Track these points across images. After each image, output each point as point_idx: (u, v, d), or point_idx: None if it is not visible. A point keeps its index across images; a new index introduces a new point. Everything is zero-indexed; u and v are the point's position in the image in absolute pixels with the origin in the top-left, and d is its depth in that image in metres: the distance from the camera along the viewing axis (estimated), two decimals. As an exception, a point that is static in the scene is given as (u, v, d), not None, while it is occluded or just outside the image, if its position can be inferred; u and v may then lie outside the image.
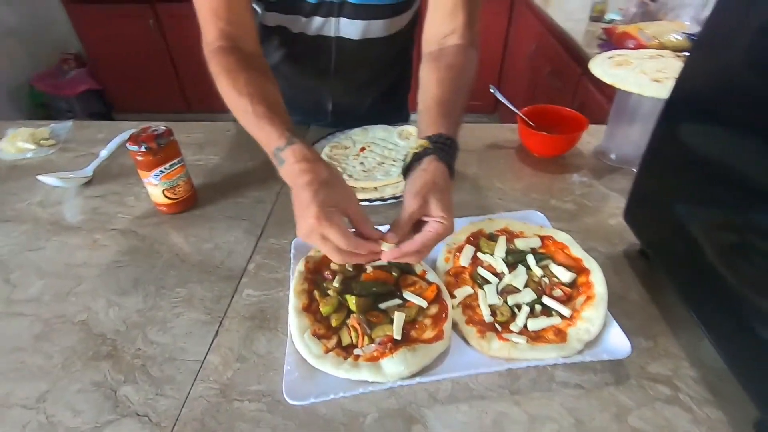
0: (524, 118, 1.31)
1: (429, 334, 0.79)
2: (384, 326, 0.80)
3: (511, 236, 0.98)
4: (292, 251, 0.97)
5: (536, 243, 0.96)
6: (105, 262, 1.01)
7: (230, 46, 0.82)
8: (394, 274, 0.91)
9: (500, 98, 1.36)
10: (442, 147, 0.74)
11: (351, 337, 0.79)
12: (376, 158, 1.28)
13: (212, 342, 0.83)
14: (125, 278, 0.97)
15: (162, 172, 1.06)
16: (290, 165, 0.70)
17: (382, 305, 0.84)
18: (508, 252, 0.94)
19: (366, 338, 0.78)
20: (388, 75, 1.33)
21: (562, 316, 0.81)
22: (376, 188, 1.17)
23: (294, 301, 0.83)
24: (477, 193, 1.19)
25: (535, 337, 0.79)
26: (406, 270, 0.92)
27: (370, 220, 0.71)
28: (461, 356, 0.78)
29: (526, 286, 0.87)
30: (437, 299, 0.85)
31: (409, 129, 1.37)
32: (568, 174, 1.27)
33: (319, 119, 1.46)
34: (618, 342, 0.76)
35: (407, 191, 0.70)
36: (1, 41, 3.66)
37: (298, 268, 0.91)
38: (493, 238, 0.98)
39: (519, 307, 0.84)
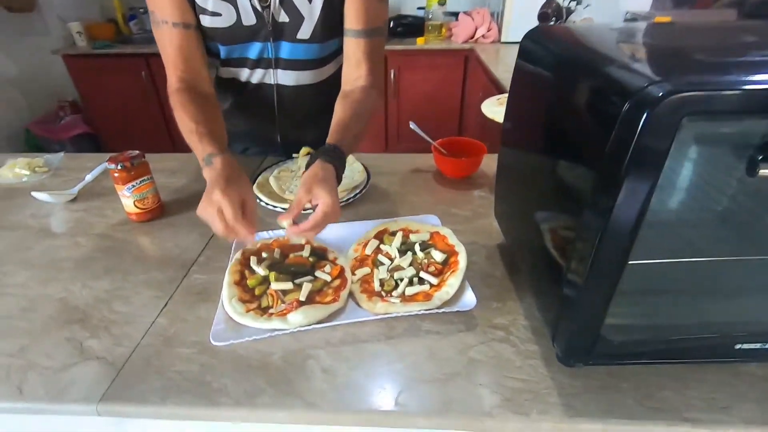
0: (438, 147, 1.62)
1: (329, 298, 1.04)
2: (295, 293, 1.04)
3: (408, 233, 1.25)
4: (234, 245, 1.23)
5: (426, 237, 1.23)
6: (83, 257, 1.25)
7: (187, 87, 1.12)
8: (310, 259, 1.16)
9: (418, 132, 1.67)
10: (328, 152, 1.03)
11: (269, 302, 1.03)
12: (316, 179, 1.57)
13: (162, 309, 1.06)
14: (98, 268, 1.21)
15: (134, 186, 1.33)
16: (215, 167, 0.97)
17: (297, 281, 1.08)
18: (403, 243, 1.20)
19: (280, 302, 1.02)
20: (325, 113, 1.65)
21: (431, 285, 1.06)
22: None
23: (227, 277, 1.08)
24: (394, 205, 1.47)
25: (409, 299, 1.04)
26: (321, 257, 1.18)
27: (257, 214, 0.97)
28: (352, 313, 1.02)
29: (410, 265, 1.13)
30: (340, 276, 1.10)
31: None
32: (471, 190, 1.56)
33: (273, 150, 1.77)
34: (468, 299, 1.01)
35: (299, 185, 0.97)
36: (1, 89, 4.02)
37: (236, 256, 1.16)
38: (394, 234, 1.25)
39: (402, 280, 1.09)
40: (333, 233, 1.25)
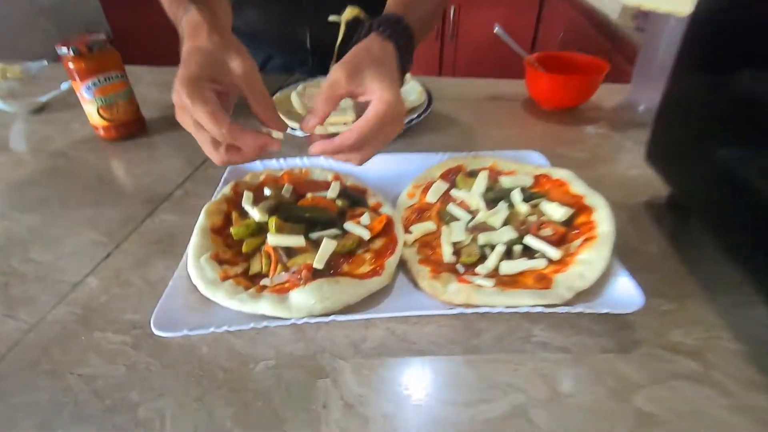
0: (534, 63, 1.11)
1: (365, 268, 0.60)
2: (307, 255, 0.60)
3: (497, 173, 0.77)
4: (225, 175, 0.80)
5: (527, 181, 0.74)
6: (19, 180, 0.88)
7: None
8: (338, 203, 0.72)
9: (505, 39, 1.16)
10: (388, 23, 0.56)
11: (262, 265, 0.60)
12: (349, 99, 1.10)
13: (99, 263, 0.66)
14: (31, 196, 0.83)
15: (95, 84, 0.92)
16: (184, 30, 0.53)
17: (313, 235, 0.64)
18: (489, 189, 0.73)
19: (280, 267, 0.59)
20: (371, 7, 1.16)
21: (549, 260, 0.59)
22: (345, 123, 0.99)
23: (201, 220, 0.65)
24: (467, 140, 1.00)
25: (509, 281, 0.57)
26: (356, 201, 0.73)
27: (269, 99, 0.53)
28: (404, 299, 0.58)
29: (506, 224, 0.66)
30: (386, 232, 0.65)
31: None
32: (582, 126, 1.05)
33: (302, 62, 1.31)
34: (625, 293, 0.53)
35: (335, 65, 0.52)
36: (33, 19, 3.77)
37: (223, 190, 0.73)
38: (474, 175, 0.78)
39: (493, 248, 0.62)
40: (376, 167, 0.80)
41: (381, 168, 0.82)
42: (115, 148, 0.98)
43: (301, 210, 0.68)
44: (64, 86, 1.26)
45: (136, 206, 0.79)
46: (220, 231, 0.66)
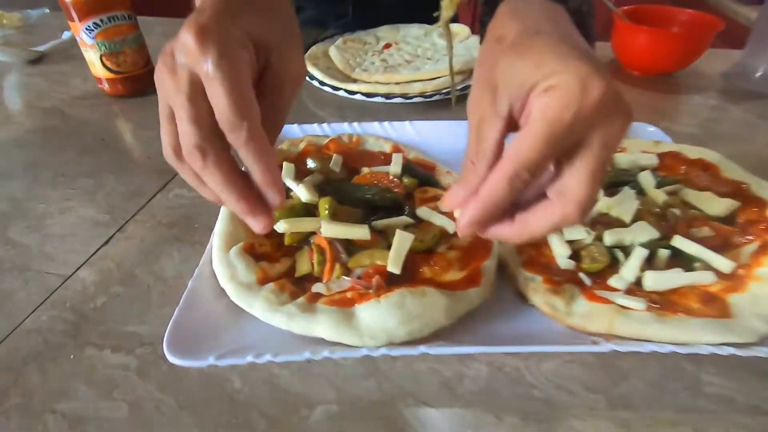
0: (624, 17, 0.90)
1: (455, 274, 0.43)
2: (374, 252, 0.44)
3: (606, 149, 0.59)
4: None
5: (650, 161, 0.56)
6: (2, 140, 0.72)
7: None
8: (405, 181, 0.55)
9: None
10: None
11: (313, 264, 0.44)
12: (405, 56, 0.92)
13: (97, 251, 0.51)
14: (19, 159, 0.67)
15: (97, 25, 0.75)
16: None
17: (379, 223, 0.48)
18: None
19: (338, 268, 0.43)
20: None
21: (717, 272, 0.42)
22: (397, 83, 0.81)
23: (230, 198, 0.49)
24: None
25: (662, 302, 0.40)
26: (424, 179, 0.56)
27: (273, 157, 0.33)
28: (512, 321, 0.41)
29: (637, 218, 0.48)
30: (475, 223, 0.48)
31: (457, 28, 1.00)
32: (683, 95, 0.85)
33: (340, 14, 1.11)
34: None
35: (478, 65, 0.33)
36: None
37: (256, 160, 0.57)
38: (574, 151, 0.60)
39: (625, 250, 0.45)
40: (439, 136, 0.63)
41: (445, 138, 0.65)
42: (121, 107, 0.82)
43: (358, 189, 0.52)
44: (66, 35, 1.09)
45: (144, 178, 0.63)
46: (253, 214, 0.49)
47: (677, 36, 0.85)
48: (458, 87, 0.80)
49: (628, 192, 0.51)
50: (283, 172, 0.54)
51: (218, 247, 0.44)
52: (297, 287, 0.42)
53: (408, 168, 0.58)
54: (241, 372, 0.38)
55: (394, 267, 0.41)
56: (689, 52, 0.86)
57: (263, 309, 0.39)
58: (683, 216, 0.48)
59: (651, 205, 0.50)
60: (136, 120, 0.78)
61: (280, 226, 0.44)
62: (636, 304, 0.39)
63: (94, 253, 0.51)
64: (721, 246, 0.45)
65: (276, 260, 0.45)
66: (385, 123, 0.67)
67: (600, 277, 0.45)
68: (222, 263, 0.43)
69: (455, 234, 0.47)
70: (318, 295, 0.41)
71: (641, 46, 0.88)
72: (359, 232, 0.44)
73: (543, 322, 0.41)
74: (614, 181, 0.54)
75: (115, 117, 0.79)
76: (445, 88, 0.80)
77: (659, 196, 0.50)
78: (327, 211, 0.47)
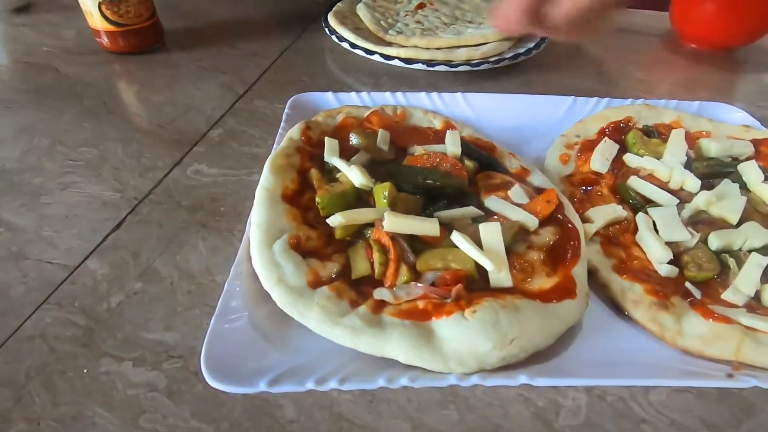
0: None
1: (543, 281, 0.36)
2: (445, 252, 0.37)
3: (696, 136, 0.52)
4: (287, 111, 0.55)
5: (745, 148, 0.49)
6: (-13, 100, 0.62)
7: None
8: (468, 163, 0.47)
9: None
10: None
11: (373, 265, 0.37)
12: (442, 18, 0.82)
13: (107, 237, 0.43)
14: (8, 123, 0.58)
15: (95, -35, 0.64)
16: None
17: (442, 214, 0.40)
18: (706, 160, 0.48)
19: (405, 270, 0.36)
20: None
21: None
22: (439, 49, 0.72)
23: (267, 180, 0.41)
24: (605, 81, 0.74)
25: (791, 322, 0.34)
26: (487, 163, 0.49)
27: None
28: (609, 337, 0.35)
29: (743, 218, 0.41)
30: (556, 219, 0.41)
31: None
32: (754, 73, 0.77)
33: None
34: None
35: None
36: None
37: (289, 133, 0.49)
38: (652, 133, 0.53)
39: (733, 255, 0.39)
40: (501, 114, 0.55)
41: (502, 114, 0.57)
42: (124, 65, 0.72)
43: (418, 173, 0.44)
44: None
45: (157, 150, 0.54)
46: (294, 198, 0.42)
47: (751, 4, 0.76)
48: (509, 56, 0.71)
49: (730, 186, 0.44)
50: (326, 149, 0.46)
51: (259, 241, 0.37)
52: (356, 292, 0.35)
53: (466, 148, 0.50)
54: (295, 397, 0.32)
55: (502, 277, 0.34)
56: (761, 23, 0.77)
57: (320, 321, 0.32)
58: (801, 217, 0.41)
59: (759, 203, 0.43)
60: (143, 81, 0.68)
61: (335, 219, 0.37)
62: (762, 324, 0.33)
63: (104, 239, 0.43)
64: None
65: (327, 257, 0.37)
66: (434, 94, 0.59)
67: (707, 287, 0.38)
68: (266, 262, 0.35)
69: (536, 231, 0.40)
70: (382, 304, 0.34)
71: (708, 14, 0.78)
72: (428, 227, 0.37)
73: (644, 340, 0.35)
74: (709, 172, 0.47)
75: (117, 77, 0.69)
76: (494, 56, 0.71)
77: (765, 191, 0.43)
78: (386, 200, 0.39)
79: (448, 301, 0.33)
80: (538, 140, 0.56)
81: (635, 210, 0.45)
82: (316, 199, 0.40)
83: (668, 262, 0.39)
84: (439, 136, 0.53)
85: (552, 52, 0.78)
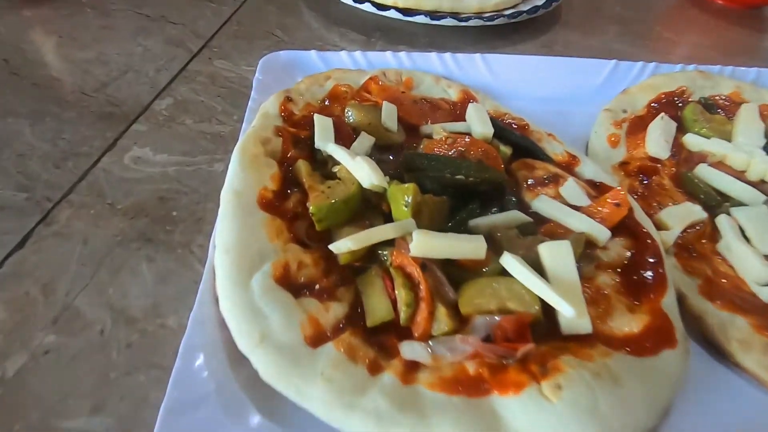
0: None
1: (626, 320, 0.27)
2: (496, 285, 0.26)
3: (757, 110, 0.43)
4: (258, 75, 0.41)
5: None
6: None
7: None
8: (503, 149, 0.36)
9: None
10: None
11: (395, 304, 0.26)
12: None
13: (2, 262, 0.30)
14: None
15: None
16: None
17: (481, 222, 0.30)
18: (770, 140, 0.39)
19: (443, 314, 0.25)
20: None
21: None
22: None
23: (239, 179, 0.29)
24: (632, 42, 0.64)
25: None
26: (525, 148, 0.38)
27: None
28: (718, 395, 0.26)
29: None
30: (625, 226, 0.31)
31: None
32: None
33: None
34: None
35: None
36: None
37: (264, 108, 0.36)
38: (713, 107, 0.43)
39: None
40: (515, 81, 0.45)
41: (522, 81, 0.46)
42: (38, 11, 0.55)
43: (445, 165, 0.33)
44: None
45: (81, 127, 0.40)
46: (276, 204, 0.30)
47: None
48: (526, 8, 0.59)
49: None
50: (316, 132, 0.34)
51: (230, 275, 0.25)
52: (373, 346, 0.24)
53: (497, 128, 0.39)
54: None
55: (579, 317, 0.24)
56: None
57: (327, 402, 0.22)
58: None
59: None
60: (63, 33, 0.52)
61: (342, 245, 0.26)
62: None
63: (1, 263, 0.30)
64: None
65: (330, 294, 0.26)
66: (447, 55, 0.46)
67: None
68: (241, 308, 0.24)
69: (606, 246, 0.30)
70: (415, 366, 0.24)
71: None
72: (472, 248, 0.26)
73: (760, 396, 0.26)
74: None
75: (27, 27, 0.53)
76: (508, 8, 0.59)
77: None
78: (408, 208, 0.28)
79: (511, 362, 0.23)
80: (573, 116, 0.46)
81: (709, 209, 0.36)
82: (310, 208, 0.28)
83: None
84: (456, 111, 0.42)
85: (569, 9, 0.67)
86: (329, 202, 0.28)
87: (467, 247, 0.26)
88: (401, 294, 0.25)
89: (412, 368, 0.24)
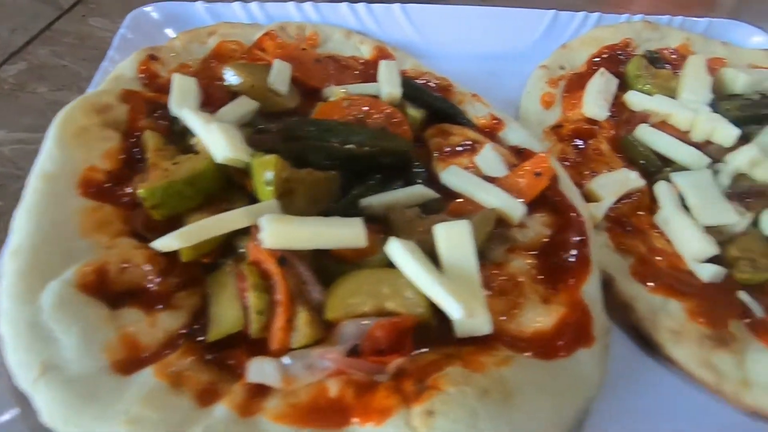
0: None
1: (537, 314, 0.22)
2: (377, 279, 0.21)
3: (710, 65, 0.38)
4: (122, 31, 0.34)
5: (778, 82, 0.36)
6: None
7: None
8: (412, 112, 0.31)
9: None
10: None
11: (252, 311, 0.20)
12: None
13: None
14: None
15: None
16: None
17: (374, 201, 0.24)
18: (719, 98, 0.35)
19: (304, 322, 0.19)
20: None
21: None
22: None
23: (52, 158, 0.22)
24: None
25: None
26: (442, 111, 0.32)
27: None
28: (640, 391, 0.22)
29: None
30: (548, 199, 0.26)
31: None
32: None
33: None
34: None
35: None
36: None
37: (119, 69, 0.29)
38: (657, 61, 0.38)
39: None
40: (442, 35, 0.39)
41: (450, 35, 0.40)
42: None
43: (333, 132, 0.27)
44: None
45: None
46: (108, 188, 0.23)
47: None
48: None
49: (777, 136, 0.31)
50: (173, 95, 0.27)
51: (13, 281, 0.19)
52: (213, 369, 0.19)
53: (410, 89, 0.33)
54: None
55: (470, 317, 0.19)
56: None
57: None
58: None
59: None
60: None
61: (165, 243, 0.20)
62: None
63: None
64: None
65: (164, 300, 0.20)
66: (360, 5, 0.40)
67: (764, 292, 0.26)
68: (21, 328, 0.18)
69: (520, 222, 0.25)
70: (263, 390, 0.18)
71: None
72: (347, 234, 0.21)
73: (692, 394, 0.22)
74: (743, 116, 0.34)
75: None
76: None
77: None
78: (270, 186, 0.22)
79: (383, 380, 0.18)
80: (507, 75, 0.40)
81: (649, 176, 0.31)
82: (139, 191, 0.22)
83: (712, 260, 0.26)
84: (369, 71, 0.36)
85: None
86: (164, 184, 0.22)
87: (341, 234, 0.21)
88: (251, 298, 0.20)
89: (258, 394, 0.18)
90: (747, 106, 0.35)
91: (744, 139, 0.33)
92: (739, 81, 0.37)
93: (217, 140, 0.23)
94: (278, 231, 0.20)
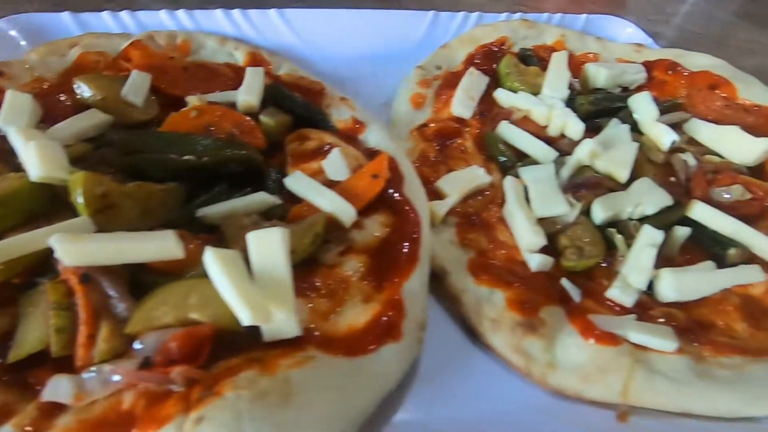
0: None
1: (356, 312, 0.23)
2: (187, 290, 0.21)
3: (582, 59, 0.40)
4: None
5: (637, 74, 0.39)
6: None
7: None
8: (265, 121, 0.31)
9: None
10: None
11: (51, 329, 0.20)
12: None
13: None
14: None
15: None
16: None
17: (209, 212, 0.24)
18: (577, 93, 0.37)
19: (105, 337, 0.20)
20: None
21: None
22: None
23: None
24: None
25: (689, 324, 0.25)
26: (305, 115, 0.33)
27: None
28: (458, 376, 0.23)
29: (635, 174, 0.31)
30: (391, 200, 0.27)
31: None
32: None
33: None
34: None
35: None
36: None
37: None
38: (529, 59, 0.40)
39: (623, 230, 0.28)
40: (336, 39, 0.39)
41: (330, 38, 0.41)
42: None
43: (172, 144, 0.27)
44: None
45: None
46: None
47: None
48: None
49: (619, 129, 0.33)
50: (2, 111, 0.27)
51: None
52: (12, 388, 0.19)
53: (276, 94, 0.33)
54: None
55: (268, 321, 0.20)
56: None
57: None
58: (700, 165, 0.32)
59: (652, 149, 0.33)
60: None
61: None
62: (662, 341, 0.23)
63: None
64: (760, 214, 0.29)
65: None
66: (236, 12, 0.40)
67: (588, 279, 0.28)
68: None
69: (358, 223, 0.26)
70: (58, 409, 0.19)
71: None
72: (159, 247, 0.21)
73: (508, 377, 0.24)
74: (595, 109, 0.36)
75: None
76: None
77: (666, 135, 0.33)
78: (83, 202, 0.22)
79: (178, 389, 0.19)
80: (389, 76, 0.41)
81: (505, 171, 0.33)
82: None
83: (543, 250, 0.28)
84: (240, 78, 0.36)
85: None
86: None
87: (151, 247, 0.21)
88: (51, 317, 0.20)
89: (52, 412, 0.19)
90: (600, 100, 0.37)
91: (596, 132, 0.35)
92: (600, 76, 0.39)
93: (32, 158, 0.23)
94: (73, 249, 0.20)
